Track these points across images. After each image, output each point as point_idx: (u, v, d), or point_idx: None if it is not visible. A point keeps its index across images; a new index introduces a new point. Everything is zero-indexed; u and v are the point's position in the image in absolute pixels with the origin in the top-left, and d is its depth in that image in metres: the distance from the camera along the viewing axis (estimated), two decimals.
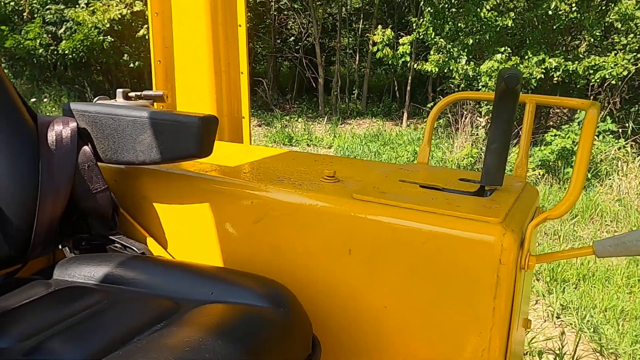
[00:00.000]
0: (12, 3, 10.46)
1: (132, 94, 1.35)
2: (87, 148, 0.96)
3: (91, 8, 9.66)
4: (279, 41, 12.70)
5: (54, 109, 10.28)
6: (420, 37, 7.86)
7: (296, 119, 9.54)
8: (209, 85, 1.46)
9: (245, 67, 1.51)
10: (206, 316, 0.67)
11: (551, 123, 7.16)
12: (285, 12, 12.57)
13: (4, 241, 0.85)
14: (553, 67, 6.48)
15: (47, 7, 10.21)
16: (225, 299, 0.74)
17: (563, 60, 6.50)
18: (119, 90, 1.33)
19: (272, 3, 11.98)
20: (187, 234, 1.01)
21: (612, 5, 6.45)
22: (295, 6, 11.93)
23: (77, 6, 9.94)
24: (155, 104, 1.39)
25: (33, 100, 10.59)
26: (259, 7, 12.72)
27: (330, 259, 0.86)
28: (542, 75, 6.49)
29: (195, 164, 1.04)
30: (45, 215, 0.88)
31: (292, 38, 12.78)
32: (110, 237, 0.98)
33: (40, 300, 0.78)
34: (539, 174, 5.48)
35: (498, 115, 0.79)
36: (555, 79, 6.72)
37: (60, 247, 1.00)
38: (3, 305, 0.77)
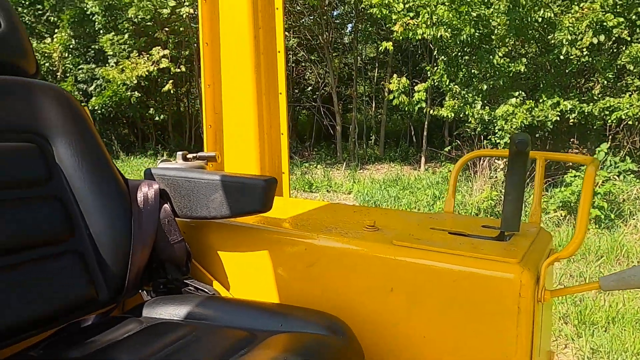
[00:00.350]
0: (47, 64, 11.11)
1: (189, 155, 1.55)
2: (167, 206, 1.14)
3: (120, 66, 10.22)
4: (296, 91, 13.15)
5: None
6: (435, 84, 8.11)
7: (315, 165, 9.77)
8: (254, 146, 1.65)
9: (285, 129, 1.71)
10: (282, 342, 0.82)
11: (570, 164, 7.22)
12: (303, 64, 13.06)
13: (104, 285, 1.02)
14: (568, 109, 6.63)
15: (80, 67, 10.84)
16: (293, 329, 0.88)
17: (578, 102, 6.65)
18: (179, 153, 1.53)
19: (290, 55, 12.50)
20: (249, 277, 1.17)
21: (623, 49, 6.64)
22: (312, 58, 12.41)
23: (107, 65, 10.53)
24: (208, 163, 1.59)
25: None
26: None
27: (375, 296, 1.01)
28: (558, 118, 6.63)
29: (254, 216, 1.22)
30: (136, 263, 1.05)
31: (310, 88, 13.20)
32: (184, 281, 1.15)
33: (137, 335, 0.94)
34: (561, 216, 5.53)
35: (512, 172, 0.96)
36: (571, 120, 6.86)
37: (139, 290, 1.17)
38: (107, 339, 0.93)
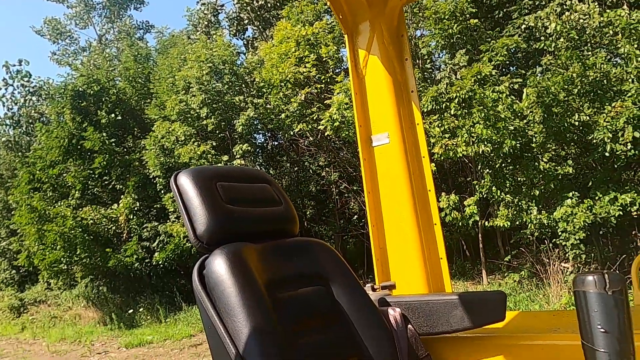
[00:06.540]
0: (113, 227, 11.89)
1: (376, 286, 1.80)
2: (410, 326, 1.36)
3: (182, 221, 10.82)
4: (342, 221, 13.51)
5: (148, 316, 10.92)
6: (484, 196, 8.33)
7: (370, 291, 9.67)
8: (420, 271, 1.89)
9: (444, 254, 1.96)
10: None
11: None
12: (347, 195, 13.59)
13: None
14: (628, 202, 6.72)
15: (144, 226, 11.56)
16: None
17: (636, 194, 6.76)
18: (367, 285, 1.78)
19: (334, 189, 13.12)
20: None
21: None
22: (355, 188, 12.96)
23: (167, 221, 11.21)
24: (390, 290, 1.82)
25: (130, 311, 11.29)
26: (321, 195, 13.93)
27: None
28: (621, 212, 6.70)
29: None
30: None
31: (355, 216, 13.56)
32: None
33: None
34: None
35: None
36: (634, 213, 6.91)
37: None
38: None
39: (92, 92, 12.03)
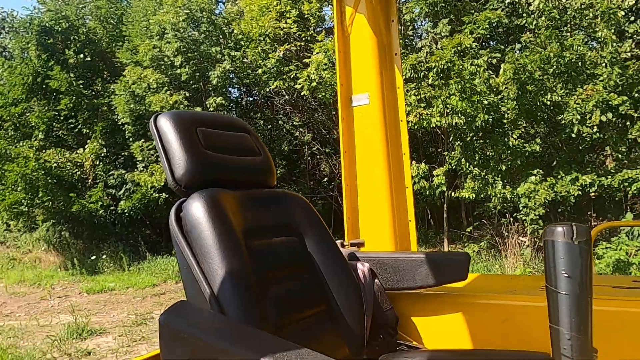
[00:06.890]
0: (78, 172, 11.62)
1: (345, 243, 1.85)
2: (377, 281, 1.42)
3: (150, 170, 10.70)
4: (312, 183, 13.58)
5: (111, 264, 10.88)
6: (453, 167, 8.49)
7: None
8: (389, 230, 1.95)
9: (412, 216, 2.02)
10: None
11: (598, 236, 7.45)
12: (319, 157, 13.61)
13: (350, 343, 1.27)
14: (588, 183, 6.98)
15: (110, 173, 11.34)
16: None
17: (596, 176, 7.02)
18: (337, 242, 1.83)
19: (306, 150, 13.10)
20: (446, 336, 1.42)
21: (629, 124, 7.15)
22: (327, 150, 12.98)
23: (135, 169, 11.02)
24: (359, 247, 1.88)
25: (93, 257, 11.20)
26: (293, 155, 13.89)
27: None
28: (580, 192, 6.96)
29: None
30: (366, 327, 1.31)
31: (326, 179, 13.62)
32: (395, 340, 1.40)
33: None
34: None
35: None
36: (592, 194, 7.20)
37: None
38: None
39: (59, 29, 11.46)
